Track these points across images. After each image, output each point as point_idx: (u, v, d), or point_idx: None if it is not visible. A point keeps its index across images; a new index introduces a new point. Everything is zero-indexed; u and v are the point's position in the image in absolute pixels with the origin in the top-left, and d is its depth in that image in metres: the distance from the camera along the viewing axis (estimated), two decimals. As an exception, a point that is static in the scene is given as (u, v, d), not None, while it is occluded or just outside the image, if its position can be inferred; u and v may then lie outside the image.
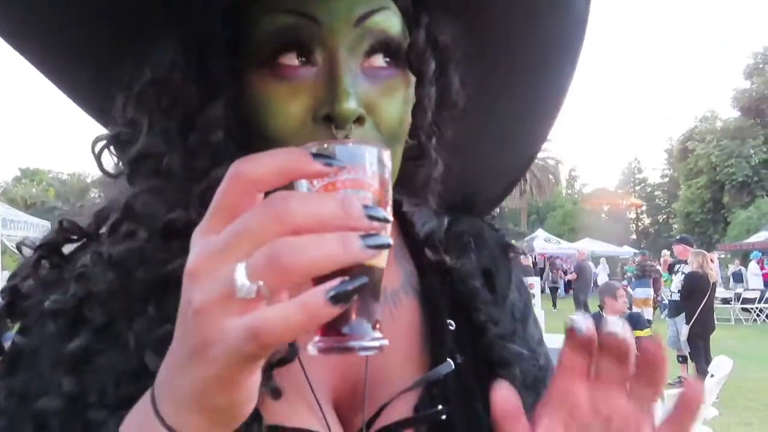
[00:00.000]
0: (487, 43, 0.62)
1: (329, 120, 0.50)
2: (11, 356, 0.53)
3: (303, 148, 0.36)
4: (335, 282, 0.32)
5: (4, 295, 0.55)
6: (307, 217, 0.32)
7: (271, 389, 0.51)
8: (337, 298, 0.32)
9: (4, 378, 0.52)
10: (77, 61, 0.60)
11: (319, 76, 0.52)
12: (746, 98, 34.10)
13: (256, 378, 0.36)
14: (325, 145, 0.36)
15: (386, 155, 0.38)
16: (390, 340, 0.59)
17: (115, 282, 0.51)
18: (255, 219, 0.32)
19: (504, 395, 0.47)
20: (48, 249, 0.56)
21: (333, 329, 0.36)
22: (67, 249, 0.58)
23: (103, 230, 0.55)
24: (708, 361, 6.53)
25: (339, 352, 0.36)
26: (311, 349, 0.36)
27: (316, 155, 0.35)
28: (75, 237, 0.58)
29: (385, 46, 0.54)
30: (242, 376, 0.34)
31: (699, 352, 7.30)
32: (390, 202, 0.38)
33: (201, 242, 0.34)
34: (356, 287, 0.32)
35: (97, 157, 0.57)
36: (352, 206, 0.33)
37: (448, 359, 0.59)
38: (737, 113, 34.92)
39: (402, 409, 0.56)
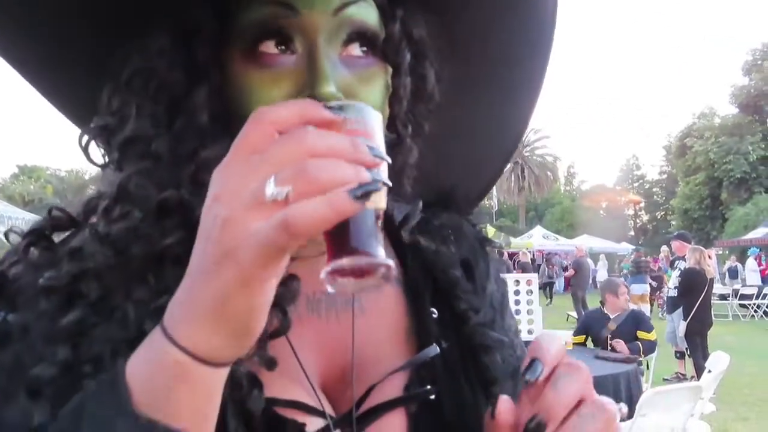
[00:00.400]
0: (459, 39, 0.65)
1: None
2: (1, 334, 0.53)
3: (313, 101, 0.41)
4: (354, 184, 0.37)
5: None
6: (323, 147, 0.37)
7: (266, 361, 0.53)
8: (357, 195, 0.36)
9: None
10: (63, 63, 0.61)
11: (299, 63, 0.54)
12: (744, 95, 34.12)
13: (274, 283, 0.40)
14: (333, 102, 0.41)
15: (381, 119, 0.43)
16: (375, 326, 0.63)
17: (111, 258, 0.52)
18: (278, 146, 0.37)
19: (504, 407, 0.50)
20: (37, 235, 0.57)
21: (343, 249, 0.39)
22: (57, 238, 0.59)
23: (93, 219, 0.56)
24: (705, 356, 6.55)
25: (352, 271, 0.39)
26: (325, 279, 0.39)
27: (327, 107, 0.40)
28: (64, 225, 0.59)
29: (362, 36, 0.56)
30: (267, 272, 0.38)
31: (696, 348, 7.32)
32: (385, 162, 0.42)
33: (227, 171, 0.38)
34: (374, 185, 0.37)
35: (84, 149, 0.59)
36: (360, 144, 0.38)
37: (434, 344, 0.62)
38: (735, 110, 34.95)
39: (390, 391, 0.59)
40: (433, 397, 0.59)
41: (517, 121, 0.77)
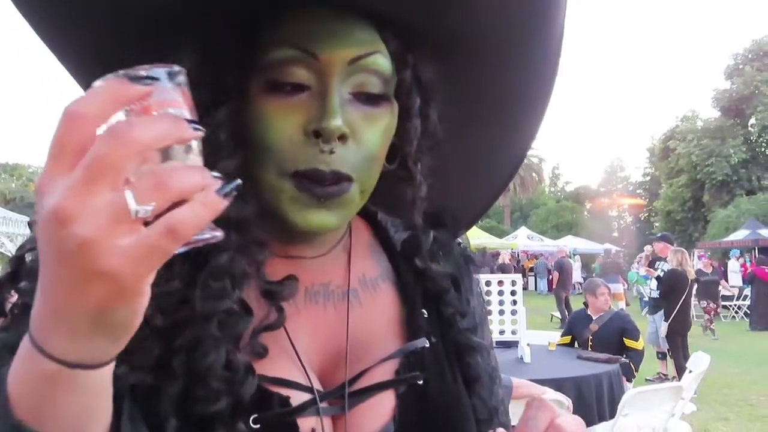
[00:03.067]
0: (465, 81, 0.72)
1: (317, 135, 0.59)
2: (11, 315, 0.58)
3: (114, 76, 0.39)
4: (218, 184, 0.39)
5: (11, 264, 0.59)
6: (150, 138, 0.36)
7: (257, 351, 0.60)
8: (225, 193, 0.38)
9: (2, 331, 0.56)
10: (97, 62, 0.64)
11: (312, 98, 0.60)
12: (726, 98, 34.56)
13: (151, 280, 0.39)
14: (130, 72, 0.39)
15: (182, 72, 0.42)
16: (370, 317, 0.70)
17: None
18: (109, 149, 0.35)
19: None
20: None
21: None
22: None
23: None
24: (686, 357, 6.63)
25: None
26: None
27: (133, 79, 0.39)
28: None
29: (373, 80, 0.62)
30: (147, 278, 0.38)
31: (677, 348, 7.41)
32: (191, 111, 0.42)
33: (56, 184, 0.36)
34: (234, 183, 0.39)
35: None
36: (179, 121, 0.38)
37: (424, 337, 0.69)
38: (717, 113, 35.43)
39: (382, 375, 0.65)
40: (420, 382, 0.65)
41: (515, 152, 0.83)
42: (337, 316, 0.68)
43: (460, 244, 0.82)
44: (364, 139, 0.62)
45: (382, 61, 0.63)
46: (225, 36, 0.61)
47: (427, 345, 0.68)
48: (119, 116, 0.39)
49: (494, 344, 0.82)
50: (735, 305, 14.74)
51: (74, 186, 0.35)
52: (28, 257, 0.58)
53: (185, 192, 0.37)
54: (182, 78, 0.42)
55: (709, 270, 12.58)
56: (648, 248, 13.26)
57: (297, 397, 0.60)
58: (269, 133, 0.60)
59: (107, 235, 0.35)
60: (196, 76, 0.56)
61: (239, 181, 0.39)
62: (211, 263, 0.59)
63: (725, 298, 14.90)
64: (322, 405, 0.61)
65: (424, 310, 0.71)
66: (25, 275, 0.57)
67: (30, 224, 0.61)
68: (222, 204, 0.38)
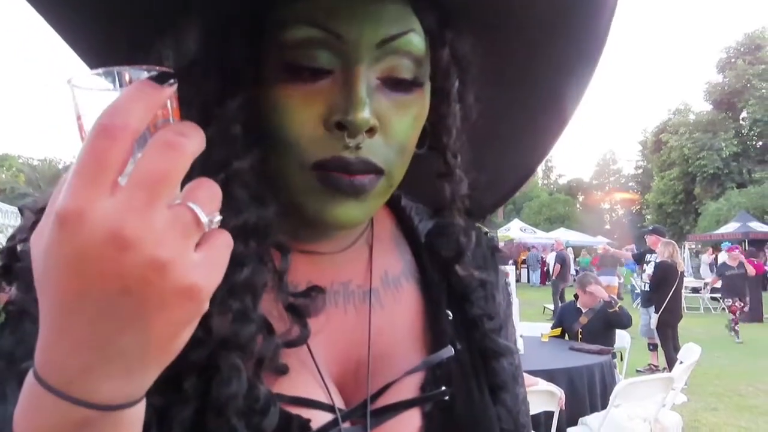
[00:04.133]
0: (506, 58, 0.63)
1: (341, 128, 0.52)
2: (6, 315, 0.54)
3: (83, 77, 0.37)
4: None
5: (2, 256, 0.55)
6: (199, 147, 0.36)
7: (279, 370, 0.54)
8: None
9: None
10: (109, 44, 0.60)
11: (336, 85, 0.53)
12: (718, 92, 34.73)
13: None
14: (102, 70, 0.37)
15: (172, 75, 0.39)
16: (392, 321, 0.64)
17: None
18: (167, 163, 0.34)
19: None
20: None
21: None
22: None
23: None
24: (677, 348, 6.69)
25: None
26: None
27: (157, 78, 0.36)
28: None
29: (405, 64, 0.55)
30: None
31: (668, 339, 7.47)
32: (175, 115, 0.40)
33: (101, 206, 0.32)
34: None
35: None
36: (191, 127, 0.36)
37: (449, 345, 0.62)
38: (709, 106, 35.58)
39: (406, 389, 0.59)
40: (447, 398, 0.59)
41: (547, 137, 0.74)
42: (357, 320, 0.61)
43: (486, 234, 0.75)
44: (395, 130, 0.55)
45: (417, 40, 0.55)
46: (236, 13, 0.54)
47: (453, 352, 0.62)
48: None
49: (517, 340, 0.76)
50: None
51: (134, 206, 0.32)
52: (20, 248, 0.54)
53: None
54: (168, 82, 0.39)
55: (735, 263, 11.67)
56: (630, 247, 13.41)
57: (318, 418, 0.54)
58: (287, 126, 0.53)
59: (184, 252, 0.33)
60: (205, 62, 0.53)
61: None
62: (229, 278, 0.51)
63: (715, 290, 15.03)
64: (344, 426, 0.55)
65: (449, 311, 0.65)
66: (19, 272, 0.53)
67: (21, 210, 0.58)
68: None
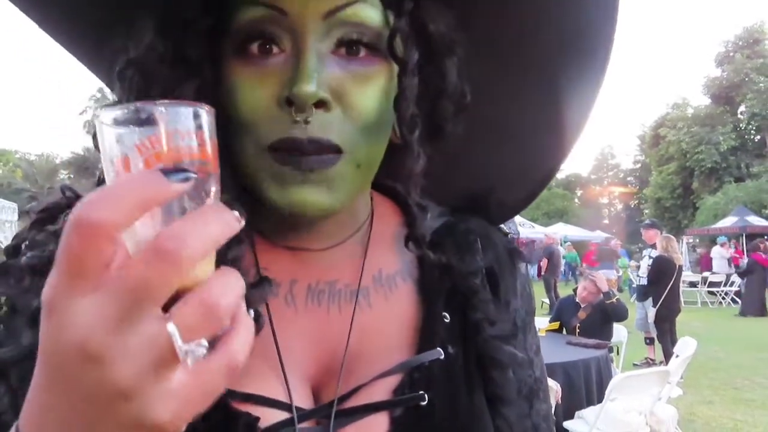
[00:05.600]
0: (493, 35, 0.61)
1: (290, 104, 0.50)
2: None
3: (110, 111, 0.33)
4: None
5: (6, 253, 0.55)
6: (201, 252, 0.30)
7: None
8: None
9: None
10: (77, 35, 0.62)
11: (287, 62, 0.52)
12: (716, 86, 34.68)
13: None
14: (136, 106, 0.33)
15: (204, 113, 0.35)
16: (380, 322, 0.60)
17: None
18: (154, 274, 0.29)
19: None
20: (48, 213, 0.58)
21: None
22: None
23: None
24: (674, 342, 6.71)
25: None
26: None
27: (170, 172, 0.31)
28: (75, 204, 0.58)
29: (359, 36, 0.53)
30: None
31: (665, 333, 7.49)
32: (214, 159, 0.36)
33: (78, 308, 0.30)
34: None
35: (93, 138, 0.58)
36: (228, 215, 0.32)
37: (438, 348, 0.59)
38: (708, 100, 35.55)
39: (379, 392, 0.56)
40: (424, 403, 0.56)
41: (569, 128, 0.70)
42: (340, 319, 0.59)
43: (505, 234, 0.71)
44: (356, 105, 0.53)
45: (367, 11, 0.53)
46: (189, 0, 0.54)
47: (442, 357, 0.58)
48: (136, 162, 0.32)
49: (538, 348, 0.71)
50: (722, 291, 14.91)
51: (106, 319, 0.29)
52: (23, 247, 0.56)
53: (231, 310, 0.31)
54: (205, 119, 0.35)
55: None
56: (614, 242, 13.41)
57: (270, 417, 0.52)
58: (242, 106, 0.52)
59: (152, 381, 0.30)
60: (160, 49, 0.54)
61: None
62: None
63: (712, 284, 15.08)
64: (304, 425, 0.53)
65: (446, 314, 0.61)
66: (11, 271, 0.54)
67: (27, 211, 0.60)
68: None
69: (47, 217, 0.58)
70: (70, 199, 0.58)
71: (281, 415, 0.53)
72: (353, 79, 0.53)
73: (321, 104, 0.50)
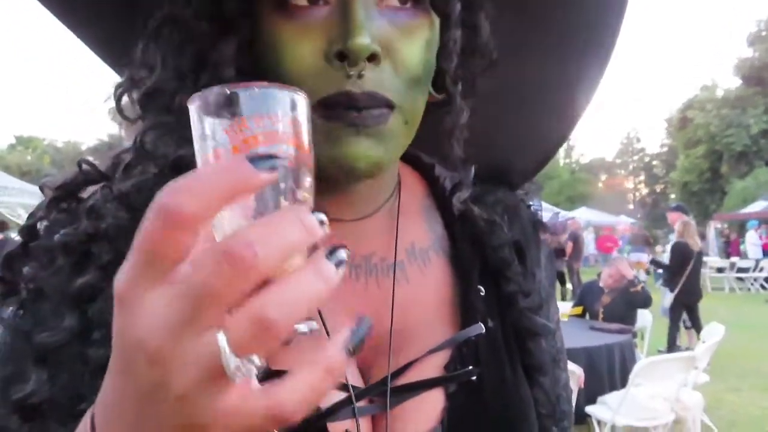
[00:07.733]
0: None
1: (342, 58, 0.48)
2: (24, 295, 0.53)
3: (201, 96, 0.32)
4: (347, 334, 0.31)
5: (22, 234, 0.54)
6: (277, 259, 0.28)
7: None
8: (353, 351, 0.31)
9: (14, 318, 0.52)
10: (96, 13, 0.60)
11: (332, 15, 0.49)
12: (748, 66, 33.77)
13: None
14: (227, 90, 0.31)
15: (300, 99, 0.33)
16: (419, 296, 0.60)
17: (124, 218, 0.50)
18: (222, 280, 0.28)
19: None
20: (66, 189, 0.56)
21: None
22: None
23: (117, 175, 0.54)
24: (698, 328, 6.62)
25: None
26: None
27: (256, 159, 0.29)
28: (94, 179, 0.57)
29: None
30: None
31: (677, 319, 7.41)
32: (309, 149, 0.34)
33: (146, 299, 0.29)
34: (367, 331, 0.31)
35: (117, 101, 0.56)
36: (309, 220, 0.30)
37: (480, 323, 0.58)
38: (739, 82, 34.64)
39: (429, 367, 0.56)
40: (474, 378, 0.56)
41: (583, 86, 0.70)
42: (380, 294, 0.58)
43: (529, 206, 0.71)
44: (403, 58, 0.51)
45: None
46: None
47: (483, 331, 0.58)
48: (225, 148, 0.30)
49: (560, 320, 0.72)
50: (750, 277, 14.62)
51: (168, 320, 0.28)
52: (39, 225, 0.54)
53: (290, 330, 0.29)
54: (301, 105, 0.33)
55: None
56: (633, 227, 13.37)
57: (329, 397, 0.51)
58: (285, 64, 0.49)
59: (203, 392, 0.29)
60: (196, 5, 0.52)
61: (370, 322, 0.32)
62: None
63: (741, 269, 14.80)
64: (360, 404, 0.52)
65: (481, 287, 0.61)
66: (36, 252, 0.52)
67: (41, 188, 0.58)
68: (343, 368, 0.31)
69: (64, 195, 0.56)
70: (87, 174, 0.56)
71: (337, 395, 0.52)
72: (400, 32, 0.51)
73: (372, 57, 0.48)
